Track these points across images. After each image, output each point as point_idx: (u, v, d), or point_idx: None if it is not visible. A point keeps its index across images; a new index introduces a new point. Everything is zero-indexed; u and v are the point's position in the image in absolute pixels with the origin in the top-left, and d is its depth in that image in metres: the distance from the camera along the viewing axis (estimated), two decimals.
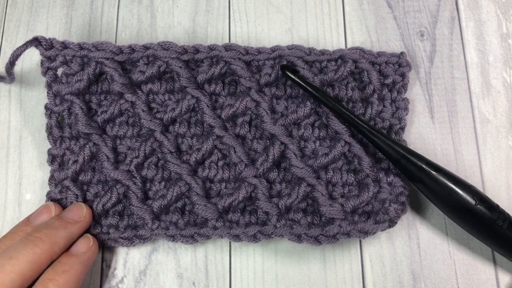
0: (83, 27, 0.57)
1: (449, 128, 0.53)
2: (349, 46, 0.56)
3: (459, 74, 0.55)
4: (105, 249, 0.50)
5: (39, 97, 0.53)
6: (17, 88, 0.54)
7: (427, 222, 0.50)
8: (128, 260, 0.49)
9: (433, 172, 0.45)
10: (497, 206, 0.45)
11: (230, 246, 0.50)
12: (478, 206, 0.44)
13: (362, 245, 0.50)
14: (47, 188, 0.50)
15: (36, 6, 0.58)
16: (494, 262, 0.49)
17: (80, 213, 0.46)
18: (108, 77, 0.51)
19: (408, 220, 0.50)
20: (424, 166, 0.46)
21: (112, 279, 0.49)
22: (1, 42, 0.56)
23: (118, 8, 0.58)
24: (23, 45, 0.49)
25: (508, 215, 0.45)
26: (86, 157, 0.49)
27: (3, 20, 0.57)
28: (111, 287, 0.48)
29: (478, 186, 0.51)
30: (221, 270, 0.49)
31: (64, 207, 0.48)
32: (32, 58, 0.55)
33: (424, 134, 0.53)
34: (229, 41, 0.56)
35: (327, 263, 0.49)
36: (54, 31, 0.56)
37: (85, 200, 0.48)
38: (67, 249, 0.44)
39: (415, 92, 0.54)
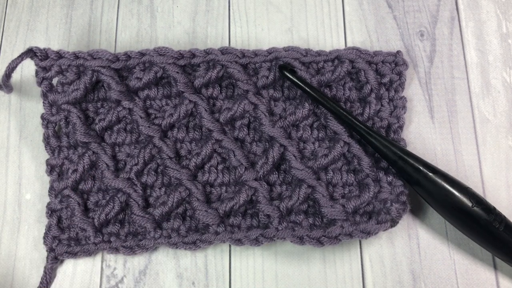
0: (83, 27, 0.57)
1: (449, 128, 0.53)
2: (349, 46, 0.56)
3: (459, 74, 0.55)
4: None
5: (38, 97, 0.53)
6: (17, 87, 0.54)
7: (427, 222, 0.50)
8: (128, 260, 0.49)
9: (430, 174, 0.45)
10: (494, 208, 0.45)
11: (230, 246, 0.50)
12: (475, 208, 0.44)
13: (362, 245, 0.50)
14: (47, 188, 0.50)
15: (36, 6, 0.58)
16: (494, 262, 0.49)
17: None
18: (105, 85, 0.50)
19: (408, 220, 0.50)
20: (421, 168, 0.46)
21: (112, 279, 0.49)
22: (1, 42, 0.56)
23: (118, 8, 0.58)
24: (18, 57, 0.49)
25: (505, 217, 0.45)
26: (85, 166, 0.49)
27: (3, 20, 0.57)
28: (111, 287, 0.48)
29: (478, 186, 0.51)
30: (220, 270, 0.49)
31: (65, 216, 0.48)
32: (32, 62, 0.55)
33: (424, 134, 0.53)
34: (229, 41, 0.56)
35: (327, 263, 0.49)
36: (54, 31, 0.56)
37: (86, 209, 0.48)
38: None
39: (414, 92, 0.54)
